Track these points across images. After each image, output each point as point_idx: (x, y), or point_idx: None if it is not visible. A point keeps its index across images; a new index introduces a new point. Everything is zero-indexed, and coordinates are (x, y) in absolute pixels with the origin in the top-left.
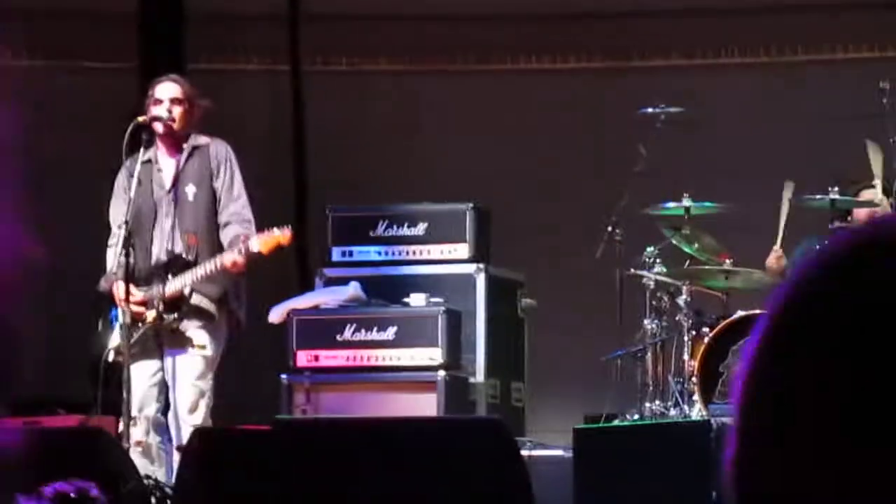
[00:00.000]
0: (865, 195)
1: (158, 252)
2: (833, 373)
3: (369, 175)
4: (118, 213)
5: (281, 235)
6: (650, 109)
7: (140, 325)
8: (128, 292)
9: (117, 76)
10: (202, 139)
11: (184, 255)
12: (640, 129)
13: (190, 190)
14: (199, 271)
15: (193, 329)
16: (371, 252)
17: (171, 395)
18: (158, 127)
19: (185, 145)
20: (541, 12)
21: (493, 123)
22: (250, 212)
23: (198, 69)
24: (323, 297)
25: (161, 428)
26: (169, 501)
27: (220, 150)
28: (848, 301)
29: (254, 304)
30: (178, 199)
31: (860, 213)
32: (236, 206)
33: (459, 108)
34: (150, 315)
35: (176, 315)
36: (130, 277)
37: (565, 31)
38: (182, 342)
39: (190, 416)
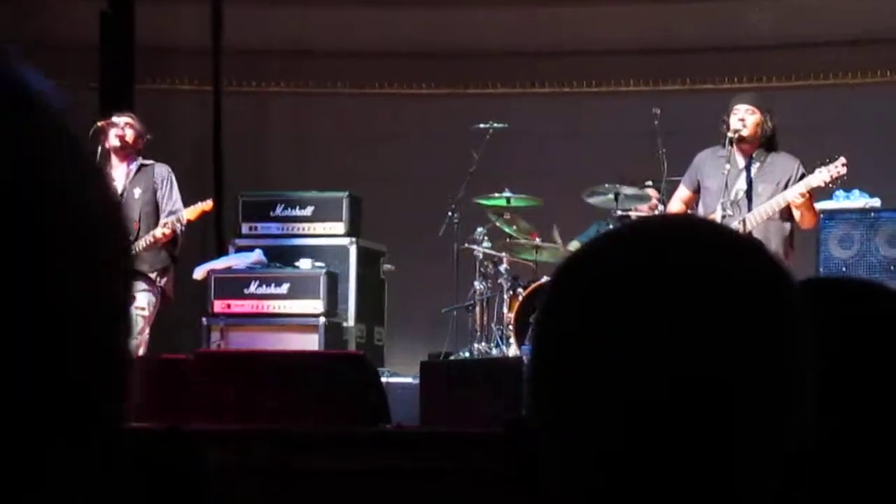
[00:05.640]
0: (644, 192)
1: None
2: (567, 317)
3: (270, 170)
4: None
5: (204, 205)
6: (481, 125)
7: None
8: None
9: (80, 93)
10: (148, 161)
11: None
12: (473, 140)
13: (136, 192)
14: (139, 244)
15: (138, 292)
16: (271, 227)
17: None
18: (113, 139)
19: (134, 162)
20: (402, 51)
21: (366, 133)
22: (182, 206)
23: (143, 88)
24: (234, 261)
25: None
26: None
27: (162, 171)
28: (585, 269)
29: (183, 266)
30: (126, 199)
31: (641, 207)
32: (172, 206)
33: (339, 120)
34: None
35: None
36: None
37: (420, 66)
38: None
39: None
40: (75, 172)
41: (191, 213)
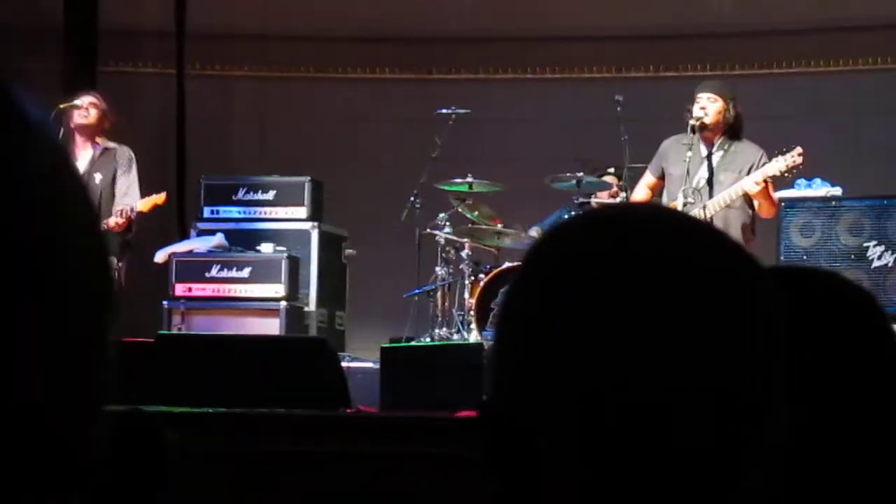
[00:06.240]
0: (604, 179)
1: None
2: (528, 302)
3: (233, 154)
4: None
5: (157, 197)
6: (444, 110)
7: None
8: None
9: (45, 75)
10: (111, 144)
11: None
12: (436, 125)
13: (97, 176)
14: None
15: None
16: (233, 211)
17: None
18: (77, 117)
19: (97, 146)
20: (366, 36)
21: (329, 117)
22: (139, 195)
23: (106, 71)
24: (196, 244)
25: None
26: None
27: (124, 152)
28: (549, 254)
29: (144, 249)
30: (86, 183)
31: (602, 194)
32: (127, 188)
33: (302, 105)
34: None
35: None
36: None
37: (384, 50)
38: None
39: None
40: (50, 177)
41: (143, 205)
